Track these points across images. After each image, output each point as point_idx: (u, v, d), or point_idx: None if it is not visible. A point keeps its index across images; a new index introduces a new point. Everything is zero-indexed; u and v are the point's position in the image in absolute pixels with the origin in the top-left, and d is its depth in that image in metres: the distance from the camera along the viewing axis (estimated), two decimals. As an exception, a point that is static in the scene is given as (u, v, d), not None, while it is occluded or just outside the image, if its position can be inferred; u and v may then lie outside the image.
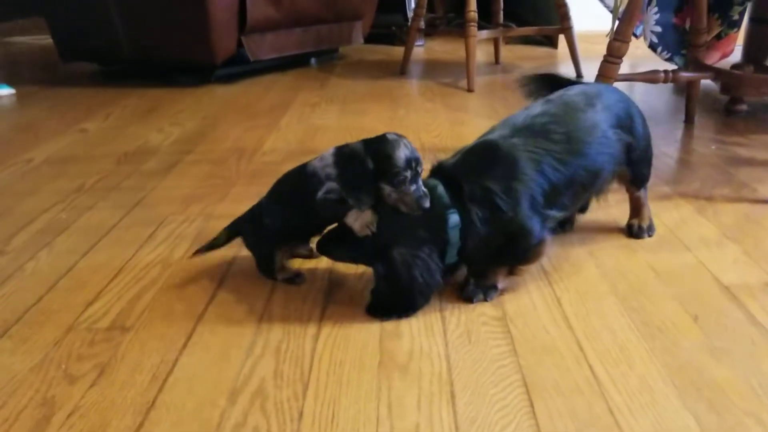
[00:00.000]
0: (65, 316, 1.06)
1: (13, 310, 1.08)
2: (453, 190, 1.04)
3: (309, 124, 2.16)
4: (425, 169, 1.05)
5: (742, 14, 2.16)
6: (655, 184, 1.48)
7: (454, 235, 1.03)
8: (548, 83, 1.32)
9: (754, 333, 0.98)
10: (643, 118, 1.24)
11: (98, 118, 2.29)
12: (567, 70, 2.95)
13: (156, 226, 1.38)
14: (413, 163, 0.99)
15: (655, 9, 2.12)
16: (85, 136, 2.08)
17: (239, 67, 2.86)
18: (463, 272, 1.11)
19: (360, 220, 1.01)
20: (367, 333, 1.00)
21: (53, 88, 2.77)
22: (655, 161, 1.30)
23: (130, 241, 1.32)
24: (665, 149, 1.84)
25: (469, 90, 2.57)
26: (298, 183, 1.08)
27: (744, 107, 2.20)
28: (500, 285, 1.10)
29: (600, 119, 1.15)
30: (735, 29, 2.20)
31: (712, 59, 2.18)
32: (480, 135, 1.14)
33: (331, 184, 1.01)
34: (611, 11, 2.59)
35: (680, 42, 2.12)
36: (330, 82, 2.83)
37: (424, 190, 1.00)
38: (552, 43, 3.58)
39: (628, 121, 1.20)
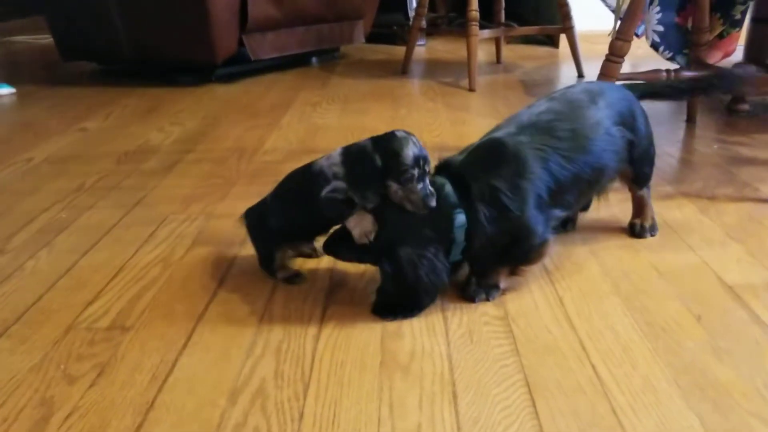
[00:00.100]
0: (65, 316, 1.05)
1: (12, 310, 1.07)
2: (460, 188, 1.03)
3: (310, 123, 2.16)
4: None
5: (744, 13, 2.15)
6: (657, 184, 1.47)
7: (459, 235, 1.02)
8: None
9: (758, 333, 0.98)
10: (645, 115, 1.23)
11: (98, 117, 2.28)
12: (568, 69, 2.95)
13: (156, 225, 1.38)
14: (421, 161, 0.99)
15: (658, 8, 2.11)
16: (85, 136, 2.08)
17: (240, 67, 2.86)
18: (465, 272, 1.11)
19: (360, 227, 1.01)
20: (369, 333, 0.99)
21: (53, 88, 2.77)
22: (657, 161, 1.30)
23: (130, 240, 1.31)
24: (667, 148, 1.84)
25: (471, 89, 2.57)
26: (303, 182, 1.07)
27: (746, 106, 2.20)
28: (502, 284, 1.09)
29: (603, 116, 1.14)
30: (737, 28, 2.19)
31: (714, 58, 2.17)
32: (484, 133, 1.14)
33: (337, 183, 1.01)
34: (613, 11, 2.59)
35: (682, 41, 2.11)
36: (331, 81, 2.83)
37: (431, 189, 1.00)
38: (553, 42, 3.58)
39: (631, 119, 1.19)
